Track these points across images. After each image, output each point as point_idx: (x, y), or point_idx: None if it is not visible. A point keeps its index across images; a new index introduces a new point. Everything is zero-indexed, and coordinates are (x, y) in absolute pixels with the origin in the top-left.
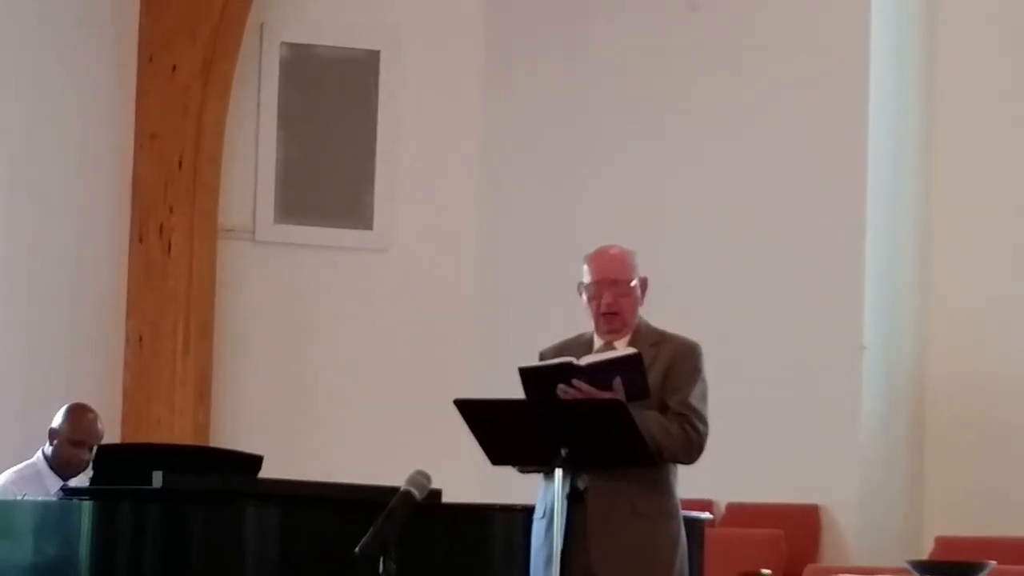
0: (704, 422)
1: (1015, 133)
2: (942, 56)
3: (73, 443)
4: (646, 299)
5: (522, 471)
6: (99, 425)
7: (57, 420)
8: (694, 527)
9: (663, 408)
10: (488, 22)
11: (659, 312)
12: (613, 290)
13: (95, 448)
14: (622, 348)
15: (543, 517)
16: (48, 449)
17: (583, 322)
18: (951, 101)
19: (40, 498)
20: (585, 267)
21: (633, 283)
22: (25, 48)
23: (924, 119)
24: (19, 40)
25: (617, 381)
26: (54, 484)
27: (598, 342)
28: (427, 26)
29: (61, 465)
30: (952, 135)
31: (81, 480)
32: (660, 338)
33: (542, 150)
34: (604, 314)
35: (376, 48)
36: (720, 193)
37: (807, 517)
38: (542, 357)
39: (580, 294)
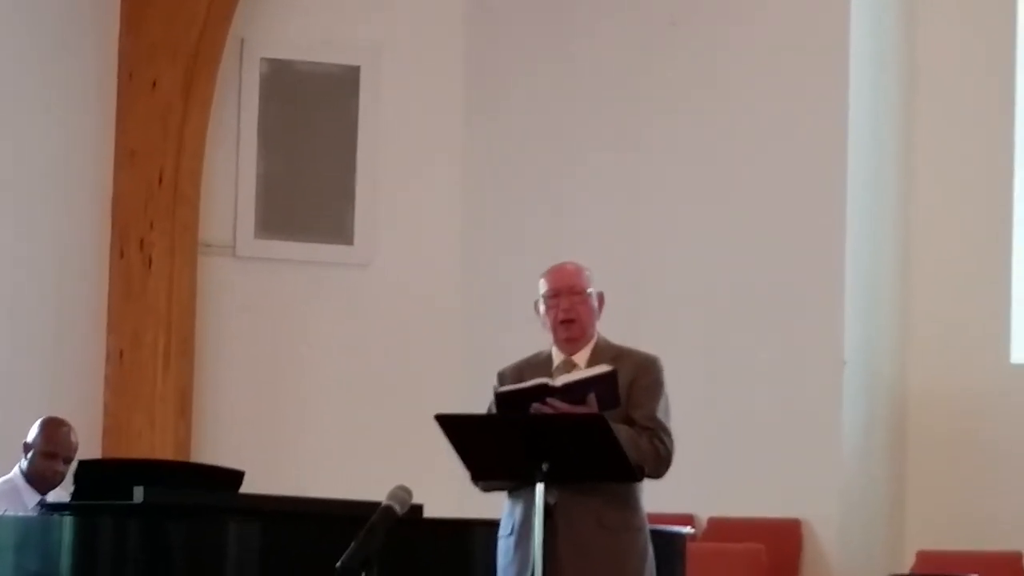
0: (670, 436)
1: (994, 152)
2: (922, 72)
3: (47, 455)
4: (603, 313)
5: (485, 489)
6: (73, 437)
7: (31, 434)
8: (675, 541)
9: (628, 422)
10: (468, 37)
11: (641, 328)
12: (570, 297)
13: (74, 461)
14: (582, 363)
15: (510, 535)
16: (24, 464)
17: None
18: (931, 120)
19: (19, 513)
20: (541, 281)
21: (589, 290)
22: (4, 65)
23: (903, 135)
24: None
25: (591, 397)
26: (32, 499)
27: (557, 356)
28: (407, 42)
29: (37, 478)
30: (932, 152)
31: (59, 494)
32: (619, 353)
33: (524, 165)
34: (562, 321)
35: (356, 64)
36: (701, 209)
37: (788, 531)
38: (500, 377)
39: (537, 311)
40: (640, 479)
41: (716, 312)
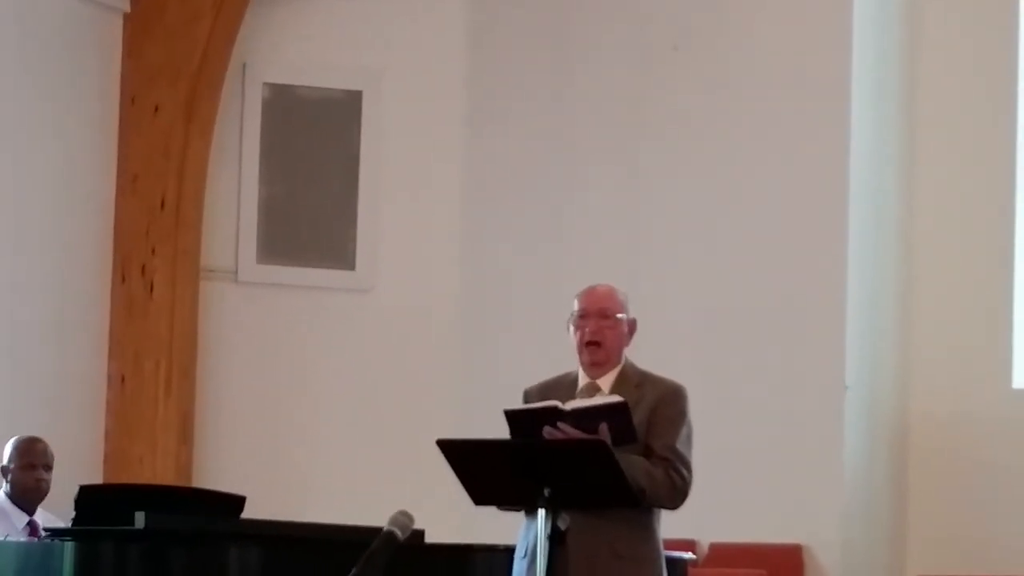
0: (688, 468)
1: (996, 177)
2: (924, 97)
3: (26, 467)
4: (633, 341)
5: (502, 508)
6: (47, 448)
7: (5, 456)
8: (677, 567)
9: (647, 451)
10: (470, 62)
11: (641, 354)
12: (598, 320)
13: (53, 470)
14: (606, 387)
15: (524, 556)
16: (6, 486)
17: (565, 362)
18: (933, 144)
19: (8, 535)
20: (574, 301)
21: (620, 315)
22: (7, 90)
23: (905, 159)
24: (0, 82)
25: (603, 427)
26: (20, 519)
27: (582, 379)
28: (409, 66)
29: (21, 494)
30: (933, 176)
31: (46, 516)
32: (644, 379)
33: (525, 190)
34: (587, 344)
35: (358, 88)
36: (702, 233)
37: (790, 557)
38: (526, 395)
39: (568, 329)
40: (640, 505)
41: (717, 336)
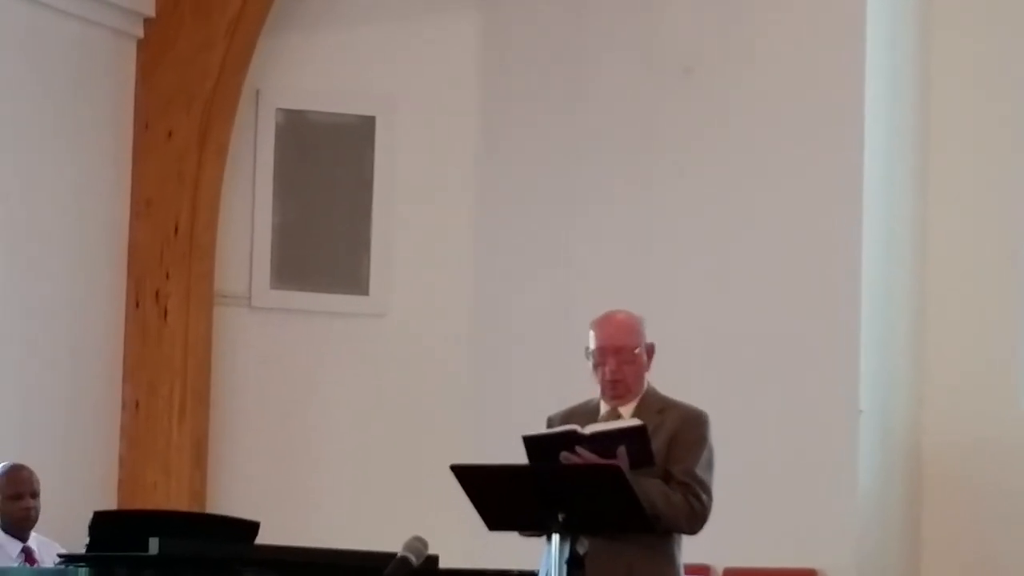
0: (708, 493)
1: (1009, 202)
2: (939, 121)
3: (13, 497)
4: (652, 364)
5: (523, 534)
6: (32, 475)
7: None
8: None
9: (667, 476)
10: (482, 87)
11: (653, 378)
12: (617, 358)
13: (40, 496)
14: (627, 414)
15: None
16: None
17: (577, 385)
18: (946, 168)
19: (2, 564)
20: (591, 332)
21: (637, 350)
22: (21, 116)
23: (919, 180)
24: (14, 108)
25: (621, 450)
26: (13, 547)
27: (604, 408)
28: (422, 92)
29: (11, 523)
30: (948, 199)
31: (39, 539)
32: (666, 405)
33: (537, 215)
34: (609, 381)
35: (371, 114)
36: (714, 257)
37: None
38: (549, 422)
39: (587, 358)
40: (654, 530)
41: (729, 359)
